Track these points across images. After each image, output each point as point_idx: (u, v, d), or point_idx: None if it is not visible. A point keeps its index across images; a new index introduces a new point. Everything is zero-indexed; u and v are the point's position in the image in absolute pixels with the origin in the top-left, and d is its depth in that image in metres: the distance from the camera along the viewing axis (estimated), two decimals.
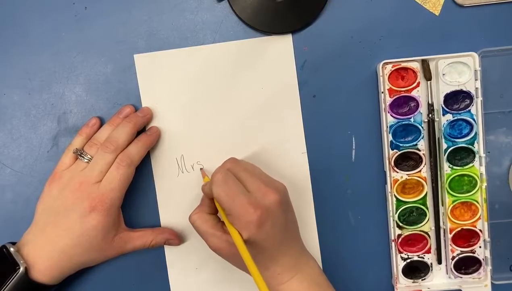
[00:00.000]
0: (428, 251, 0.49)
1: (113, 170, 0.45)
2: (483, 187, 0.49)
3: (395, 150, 0.48)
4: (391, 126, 0.48)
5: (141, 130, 0.49)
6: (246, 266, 0.39)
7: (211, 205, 0.45)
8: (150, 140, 0.48)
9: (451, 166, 0.49)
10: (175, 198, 0.50)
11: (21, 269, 0.42)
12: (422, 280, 0.50)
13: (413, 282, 0.50)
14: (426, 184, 0.49)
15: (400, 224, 0.49)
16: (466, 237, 0.49)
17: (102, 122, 0.49)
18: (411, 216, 0.49)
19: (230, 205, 0.41)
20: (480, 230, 0.49)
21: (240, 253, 0.40)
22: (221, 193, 0.41)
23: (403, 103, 0.48)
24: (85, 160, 0.46)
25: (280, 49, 0.49)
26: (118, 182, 0.45)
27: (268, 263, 0.43)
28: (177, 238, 0.49)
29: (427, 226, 0.49)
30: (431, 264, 0.50)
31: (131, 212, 0.50)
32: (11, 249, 0.44)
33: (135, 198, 0.50)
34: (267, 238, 0.41)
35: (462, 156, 0.49)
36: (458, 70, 0.48)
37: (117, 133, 0.46)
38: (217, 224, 0.44)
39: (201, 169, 0.50)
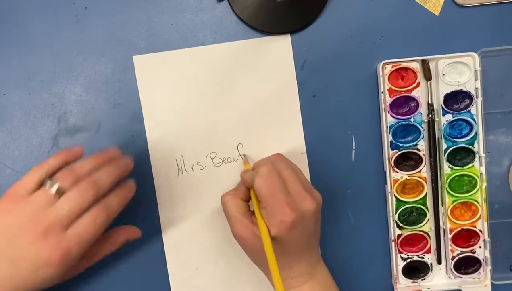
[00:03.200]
0: (428, 251, 0.49)
1: (89, 221, 0.38)
2: (483, 187, 0.49)
3: (395, 150, 0.48)
4: (391, 127, 0.48)
5: None
6: (267, 261, 0.39)
7: (246, 192, 0.45)
8: (130, 195, 0.43)
9: (451, 166, 0.49)
10: (175, 199, 0.50)
11: None
12: (422, 280, 0.50)
13: (413, 282, 0.50)
14: (426, 184, 0.49)
15: (400, 224, 0.49)
16: (466, 237, 0.50)
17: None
18: (411, 216, 0.49)
19: (268, 199, 0.41)
20: (480, 230, 0.49)
21: (264, 247, 0.40)
22: (263, 186, 0.41)
23: (403, 104, 0.48)
24: (53, 191, 0.38)
25: (279, 49, 0.49)
26: (91, 236, 0.38)
27: (285, 265, 0.43)
28: (136, 232, 0.46)
29: (427, 226, 0.49)
30: (431, 264, 0.50)
31: (130, 213, 0.49)
32: None
33: (135, 199, 0.49)
34: (293, 242, 0.41)
35: (462, 156, 0.49)
36: (458, 70, 0.48)
37: (104, 177, 0.40)
38: (247, 212, 0.43)
39: (244, 155, 0.49)
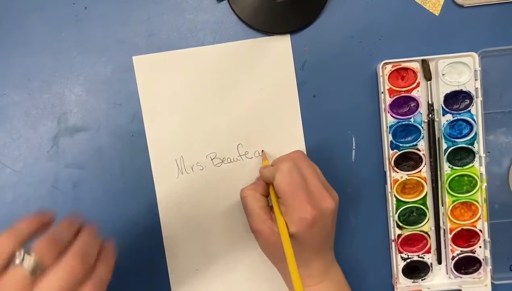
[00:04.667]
0: (428, 251, 0.49)
1: None
2: (483, 187, 0.49)
3: (395, 150, 0.48)
4: (391, 127, 0.48)
5: None
6: (285, 257, 0.39)
7: (265, 188, 0.45)
8: (113, 259, 0.36)
9: (451, 166, 0.49)
10: (175, 199, 0.50)
11: None
12: (422, 280, 0.50)
13: (413, 282, 0.50)
14: (426, 184, 0.49)
15: (400, 224, 0.49)
16: (466, 237, 0.50)
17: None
18: (411, 216, 0.49)
19: (288, 196, 0.41)
20: (480, 230, 0.49)
21: (283, 244, 0.40)
22: (284, 183, 0.41)
23: (403, 104, 0.48)
24: (29, 268, 0.30)
25: (278, 49, 0.49)
26: None
27: (301, 263, 0.42)
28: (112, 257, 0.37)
29: (427, 226, 0.49)
30: (431, 264, 0.50)
31: (130, 214, 0.50)
32: None
33: (135, 199, 0.50)
34: (311, 240, 0.42)
35: (462, 156, 0.49)
36: (458, 70, 0.48)
37: (89, 246, 0.34)
38: (266, 207, 0.44)
39: (262, 151, 0.49)
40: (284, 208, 0.42)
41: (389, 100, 0.48)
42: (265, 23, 0.49)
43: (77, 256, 0.31)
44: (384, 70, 0.48)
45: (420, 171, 0.48)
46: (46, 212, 0.34)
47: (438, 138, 0.49)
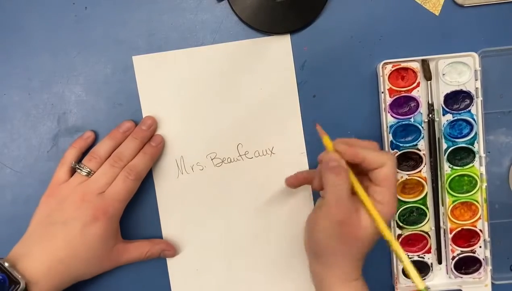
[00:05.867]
0: (428, 251, 0.49)
1: (120, 183, 0.45)
2: (483, 187, 0.49)
3: (395, 150, 0.48)
4: (391, 126, 0.48)
5: None
6: (391, 246, 0.40)
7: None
8: (157, 152, 0.48)
9: (451, 166, 0.49)
10: (175, 199, 0.50)
11: (21, 285, 0.40)
12: (423, 280, 0.50)
13: (413, 282, 0.50)
14: (426, 184, 0.49)
15: (400, 224, 0.49)
16: (466, 237, 0.49)
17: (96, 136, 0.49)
18: (411, 216, 0.49)
19: (391, 189, 0.40)
20: (480, 230, 0.49)
21: (383, 232, 0.39)
22: (394, 175, 0.40)
23: (403, 103, 0.48)
24: (84, 173, 0.45)
25: (279, 49, 0.49)
26: (123, 194, 0.45)
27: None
28: (173, 249, 0.49)
29: (427, 226, 0.49)
30: (431, 264, 0.50)
31: (130, 213, 0.49)
32: (6, 264, 0.41)
33: (135, 199, 0.49)
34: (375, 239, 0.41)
35: (462, 156, 0.49)
36: (458, 70, 0.48)
37: (125, 149, 0.46)
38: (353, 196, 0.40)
39: (317, 124, 0.43)
40: (375, 198, 0.39)
41: (389, 100, 0.48)
42: (265, 23, 0.49)
43: (111, 159, 0.45)
44: (384, 70, 0.48)
45: (420, 171, 0.48)
46: (84, 136, 0.48)
47: (438, 138, 0.49)
